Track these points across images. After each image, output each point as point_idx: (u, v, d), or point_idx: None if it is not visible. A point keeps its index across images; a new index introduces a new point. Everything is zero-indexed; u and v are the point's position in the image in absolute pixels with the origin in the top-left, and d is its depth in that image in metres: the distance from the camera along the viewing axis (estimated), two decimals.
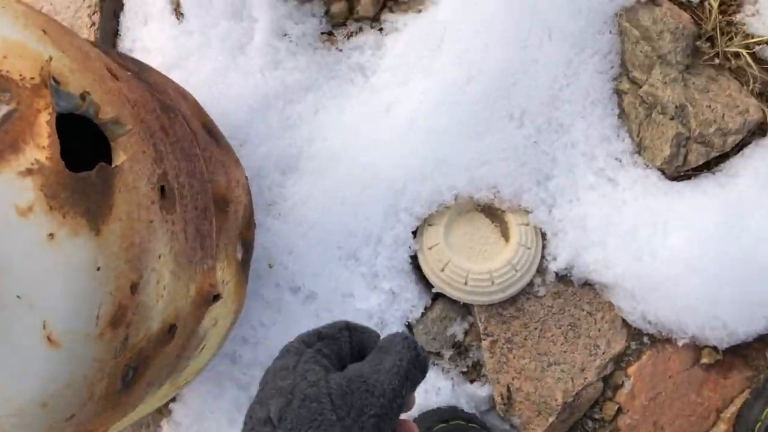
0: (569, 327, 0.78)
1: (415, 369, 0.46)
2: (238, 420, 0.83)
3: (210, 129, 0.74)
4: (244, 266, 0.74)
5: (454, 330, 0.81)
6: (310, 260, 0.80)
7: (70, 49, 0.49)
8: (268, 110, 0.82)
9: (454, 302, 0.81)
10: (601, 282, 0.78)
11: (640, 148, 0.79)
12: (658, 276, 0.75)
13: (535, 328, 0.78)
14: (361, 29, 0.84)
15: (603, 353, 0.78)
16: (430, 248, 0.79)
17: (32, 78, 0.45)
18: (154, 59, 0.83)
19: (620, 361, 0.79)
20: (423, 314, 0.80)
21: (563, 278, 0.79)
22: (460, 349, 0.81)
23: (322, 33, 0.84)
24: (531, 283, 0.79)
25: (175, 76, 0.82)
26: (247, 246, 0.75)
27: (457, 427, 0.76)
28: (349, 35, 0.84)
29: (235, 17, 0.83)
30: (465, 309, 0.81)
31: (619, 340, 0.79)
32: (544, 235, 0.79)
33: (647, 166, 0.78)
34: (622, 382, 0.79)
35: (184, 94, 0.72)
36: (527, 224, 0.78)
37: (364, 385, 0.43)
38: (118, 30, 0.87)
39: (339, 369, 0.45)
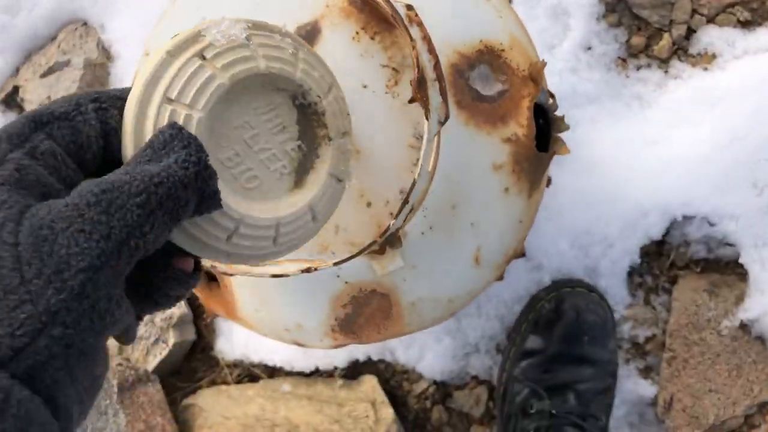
0: (735, 366, 0.94)
1: (186, 195, 0.30)
2: None
3: None
4: None
5: (638, 333, 0.97)
6: (541, 238, 0.96)
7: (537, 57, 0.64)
8: None
9: (649, 310, 0.96)
10: None
11: None
12: None
13: (709, 358, 0.94)
14: (649, 65, 0.98)
15: (754, 396, 0.94)
16: None
17: (523, 70, 0.61)
18: None
19: (763, 407, 0.95)
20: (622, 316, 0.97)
21: (744, 326, 0.94)
22: (637, 350, 0.97)
23: (618, 57, 0.98)
24: (718, 321, 0.94)
25: None
26: None
27: (580, 293, 0.92)
28: (639, 67, 0.98)
29: (555, 19, 0.97)
30: (654, 318, 0.97)
31: None
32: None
33: None
34: (759, 423, 0.95)
35: None
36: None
37: (80, 220, 0.28)
38: None
39: (75, 177, 0.32)
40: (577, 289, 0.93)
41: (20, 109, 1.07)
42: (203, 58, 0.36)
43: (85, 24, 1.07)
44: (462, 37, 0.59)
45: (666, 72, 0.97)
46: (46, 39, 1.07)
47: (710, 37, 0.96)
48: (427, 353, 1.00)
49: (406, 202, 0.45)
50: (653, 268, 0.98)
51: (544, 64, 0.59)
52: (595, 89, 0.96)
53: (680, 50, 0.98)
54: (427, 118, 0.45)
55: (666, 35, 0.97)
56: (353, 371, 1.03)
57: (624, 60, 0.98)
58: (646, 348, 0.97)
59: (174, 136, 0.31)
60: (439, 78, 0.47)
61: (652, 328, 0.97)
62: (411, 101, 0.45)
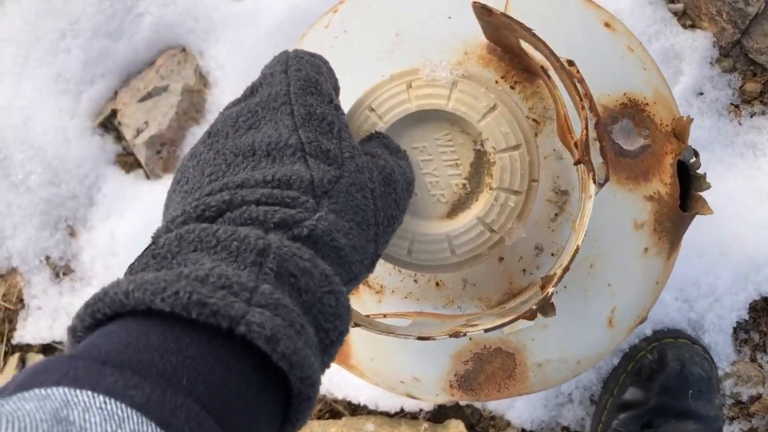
0: None
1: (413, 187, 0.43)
2: None
3: None
4: None
5: (741, 390, 0.92)
6: None
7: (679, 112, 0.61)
8: None
9: (754, 368, 0.91)
10: None
11: None
12: None
13: None
14: (764, 113, 0.94)
15: None
16: None
17: (666, 126, 0.58)
18: None
19: None
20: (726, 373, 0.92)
21: None
22: (741, 409, 0.92)
23: (731, 104, 0.94)
24: None
25: None
26: None
27: (683, 344, 0.88)
28: (752, 114, 0.94)
29: (667, 63, 0.93)
30: (761, 377, 0.92)
31: None
32: None
33: None
34: None
35: None
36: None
37: (394, 193, 0.38)
38: None
39: None
40: (680, 340, 0.89)
41: (117, 132, 1.08)
42: (410, 86, 0.45)
43: (183, 50, 1.08)
44: (606, 89, 0.56)
45: None
46: (144, 64, 1.08)
47: None
48: (517, 401, 0.96)
49: (567, 270, 0.42)
50: (761, 324, 0.93)
51: (690, 120, 0.56)
52: (706, 136, 0.93)
53: None
54: (593, 181, 0.42)
55: None
56: (439, 414, 1.00)
57: (737, 107, 0.94)
58: (751, 408, 0.92)
59: (399, 147, 0.44)
60: (600, 138, 0.45)
61: (757, 387, 0.92)
62: (577, 163, 0.43)
